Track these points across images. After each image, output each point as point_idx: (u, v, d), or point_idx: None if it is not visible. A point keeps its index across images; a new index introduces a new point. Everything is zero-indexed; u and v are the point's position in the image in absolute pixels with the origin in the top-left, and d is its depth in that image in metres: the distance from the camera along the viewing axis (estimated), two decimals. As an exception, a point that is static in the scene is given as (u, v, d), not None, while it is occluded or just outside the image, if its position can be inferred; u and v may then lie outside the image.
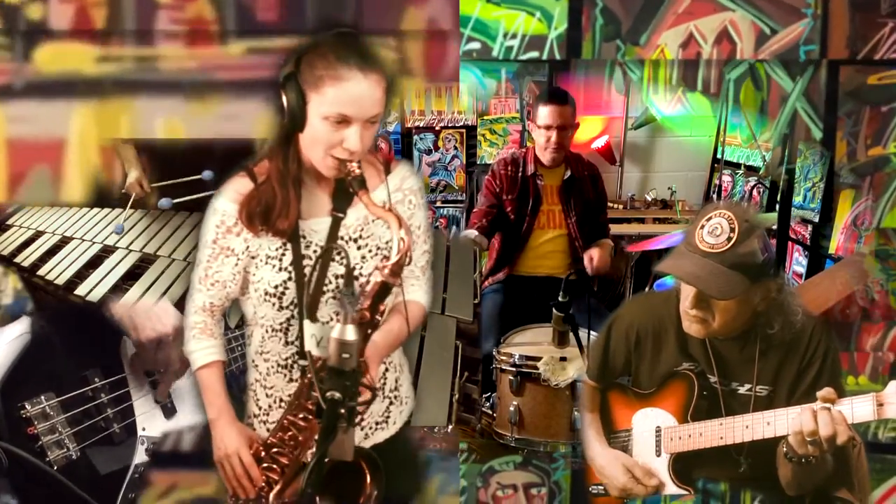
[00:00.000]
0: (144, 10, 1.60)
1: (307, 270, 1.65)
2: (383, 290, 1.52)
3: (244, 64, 1.70)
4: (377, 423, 1.79)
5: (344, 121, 1.55)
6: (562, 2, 1.77)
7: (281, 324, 1.69)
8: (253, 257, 1.68)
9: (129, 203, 2.14)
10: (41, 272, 2.35)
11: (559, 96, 3.02)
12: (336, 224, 1.66)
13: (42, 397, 1.88)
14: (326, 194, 1.68)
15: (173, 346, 2.01)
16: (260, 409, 1.76)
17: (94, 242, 2.42)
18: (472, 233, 3.07)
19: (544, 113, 3.01)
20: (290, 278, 1.65)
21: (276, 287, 1.66)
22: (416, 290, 1.78)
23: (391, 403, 1.81)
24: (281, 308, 1.67)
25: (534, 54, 1.78)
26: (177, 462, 1.94)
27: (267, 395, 1.74)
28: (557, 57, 1.77)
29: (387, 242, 1.69)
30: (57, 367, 1.95)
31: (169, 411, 2.08)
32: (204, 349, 1.76)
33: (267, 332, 1.71)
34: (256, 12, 1.66)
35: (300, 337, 1.65)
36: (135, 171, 2.13)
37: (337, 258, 1.65)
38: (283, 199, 1.63)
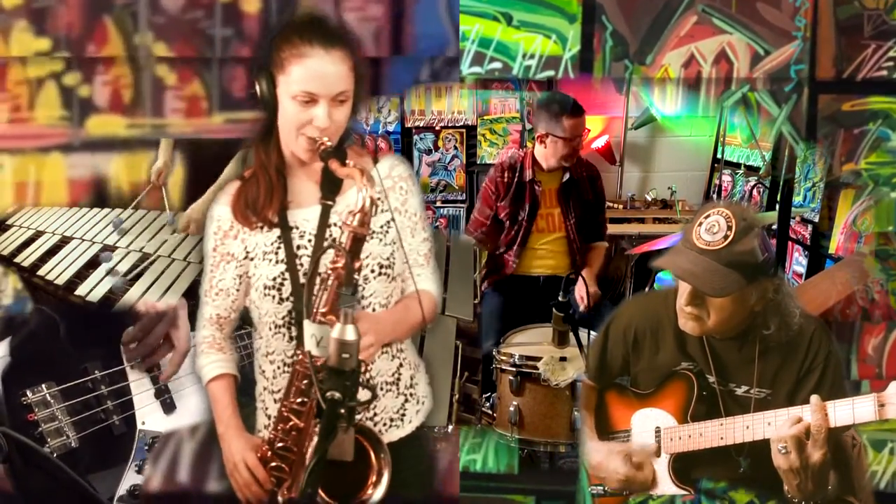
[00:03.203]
0: (157, 91, 2.13)
1: (304, 261, 1.66)
2: (355, 242, 1.52)
3: (223, 129, 2.16)
4: (391, 420, 1.78)
5: (311, 99, 1.57)
6: (575, 25, 1.93)
7: (283, 318, 1.69)
8: (252, 258, 1.70)
9: (145, 191, 2.34)
10: (41, 272, 2.35)
11: (579, 108, 3.05)
12: (326, 212, 1.68)
13: (43, 385, 1.90)
14: (314, 183, 1.69)
15: (174, 324, 2.11)
16: (269, 418, 1.74)
17: (94, 242, 2.42)
18: (469, 240, 3.10)
19: (569, 125, 3.02)
20: (286, 269, 1.67)
21: (273, 279, 1.67)
22: (422, 280, 1.77)
23: (406, 401, 1.80)
24: (281, 301, 1.67)
25: (550, 73, 1.95)
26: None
27: (275, 402, 1.73)
28: (571, 76, 1.96)
29: (381, 226, 1.70)
30: (58, 359, 1.97)
31: (168, 407, 2.09)
32: (212, 363, 1.78)
33: (270, 329, 1.71)
34: (233, 92, 2.13)
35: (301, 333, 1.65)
36: (161, 160, 2.30)
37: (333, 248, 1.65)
38: (267, 186, 1.67)
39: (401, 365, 1.79)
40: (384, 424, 1.77)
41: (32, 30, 2.02)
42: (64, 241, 2.44)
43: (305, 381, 1.61)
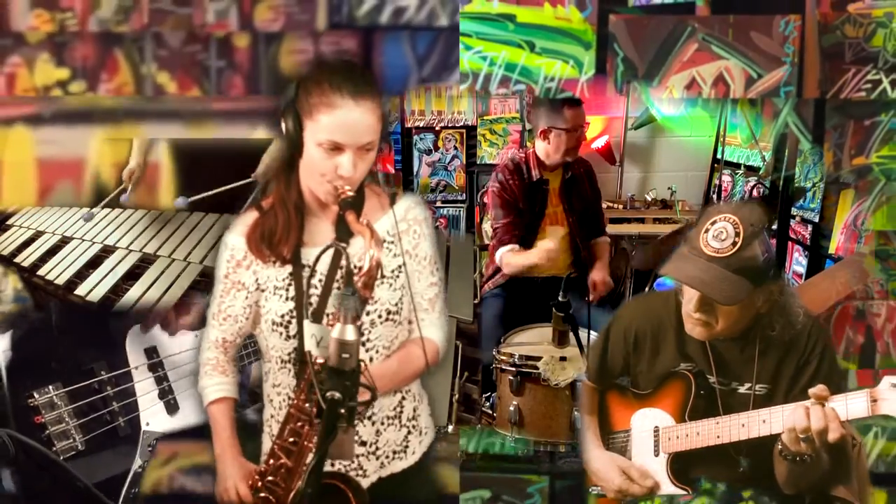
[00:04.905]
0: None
1: (313, 300, 1.65)
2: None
3: (230, 96, 2.11)
4: (394, 453, 1.78)
5: (337, 148, 1.56)
6: (590, 52, 2.12)
7: (289, 354, 1.69)
8: (262, 290, 1.70)
9: (115, 192, 2.20)
10: (41, 272, 2.35)
11: (576, 98, 3.01)
12: (339, 253, 1.67)
13: (50, 387, 1.90)
14: (330, 223, 1.69)
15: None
16: None
17: (94, 242, 2.42)
18: (511, 248, 2.99)
19: (571, 115, 3.00)
20: (295, 307, 1.66)
21: (282, 316, 1.67)
22: (426, 327, 1.76)
23: (409, 433, 1.80)
24: (288, 338, 1.67)
25: (568, 93, 2.16)
26: (177, 434, 2.13)
27: None
28: (587, 96, 2.19)
29: (392, 271, 1.70)
30: (64, 359, 1.97)
31: (172, 408, 2.09)
32: (214, 385, 1.79)
33: (277, 364, 1.72)
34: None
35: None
36: (134, 161, 2.20)
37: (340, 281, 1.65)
38: (285, 223, 1.66)
39: (403, 398, 1.79)
40: (387, 457, 1.77)
41: (53, 61, 2.06)
42: (64, 241, 2.44)
43: (299, 423, 1.61)
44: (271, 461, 1.65)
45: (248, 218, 1.72)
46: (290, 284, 1.67)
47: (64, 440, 1.89)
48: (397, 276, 1.70)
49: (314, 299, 1.66)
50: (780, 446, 1.74)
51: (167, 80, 2.10)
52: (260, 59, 2.10)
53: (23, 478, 1.84)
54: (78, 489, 1.89)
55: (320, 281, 1.66)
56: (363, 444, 1.74)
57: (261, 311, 1.71)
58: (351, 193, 1.57)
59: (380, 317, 1.68)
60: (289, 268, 1.68)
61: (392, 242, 1.69)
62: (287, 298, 1.67)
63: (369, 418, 1.73)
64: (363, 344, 1.67)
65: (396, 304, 1.70)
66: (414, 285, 1.73)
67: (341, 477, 1.56)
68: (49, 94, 2.07)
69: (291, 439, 1.62)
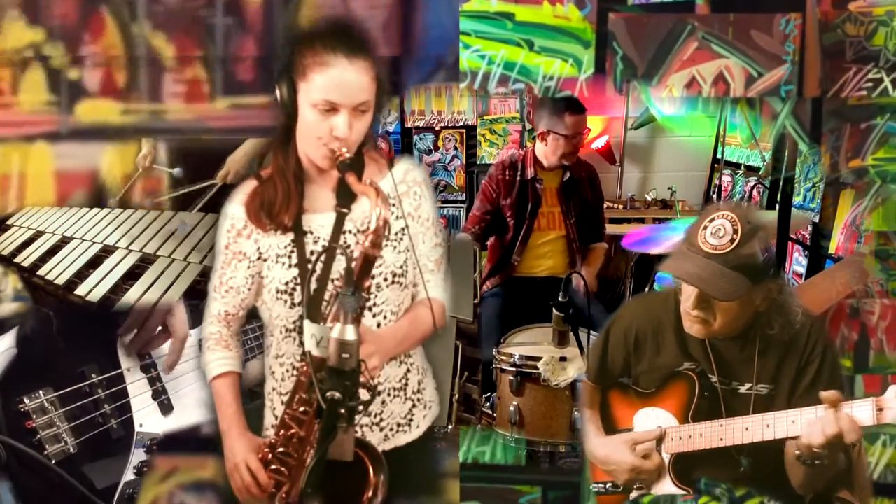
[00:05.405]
0: (154, 74, 2.03)
1: (317, 266, 1.65)
2: (365, 263, 1.50)
3: (227, 116, 2.08)
4: (398, 425, 1.78)
5: (332, 108, 1.56)
6: (589, 50, 2.11)
7: (294, 322, 1.69)
8: (265, 259, 1.70)
9: (135, 177, 2.23)
10: (41, 272, 2.35)
11: (580, 105, 3.05)
12: (341, 219, 1.67)
13: (40, 392, 1.89)
14: (330, 190, 1.69)
15: (169, 312, 2.11)
16: (277, 418, 1.73)
17: (94, 242, 2.42)
18: (466, 237, 3.10)
19: (572, 122, 3.03)
20: (299, 274, 1.66)
21: (286, 284, 1.67)
22: (432, 287, 1.76)
23: (414, 406, 1.80)
24: (293, 305, 1.67)
25: (567, 92, 2.14)
26: (177, 447, 2.10)
27: (282, 404, 1.72)
28: (586, 95, 2.17)
29: (395, 233, 1.70)
30: (55, 363, 1.97)
31: (166, 408, 2.08)
32: (218, 360, 1.78)
33: (281, 332, 1.71)
34: (237, 75, 2.04)
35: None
36: (146, 146, 2.21)
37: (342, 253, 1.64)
38: (284, 191, 1.66)
39: (408, 370, 1.79)
40: (391, 430, 1.77)
41: (25, 19, 1.95)
42: (64, 241, 2.44)
43: (309, 391, 1.60)
44: (282, 432, 1.64)
45: (246, 187, 1.71)
46: (292, 251, 1.67)
47: (55, 444, 1.88)
48: (401, 239, 1.70)
49: (318, 266, 1.65)
50: (798, 452, 1.73)
51: (163, 42, 1.98)
52: (276, 18, 1.97)
53: (16, 484, 1.84)
54: (72, 493, 1.88)
55: (323, 247, 1.66)
56: (368, 414, 1.73)
57: (263, 282, 1.70)
58: (349, 156, 1.56)
59: (385, 280, 1.68)
60: (290, 235, 1.67)
61: (393, 205, 1.69)
62: (291, 265, 1.67)
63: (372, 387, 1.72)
64: (370, 308, 1.67)
65: (402, 267, 1.70)
66: (418, 247, 1.73)
67: (359, 442, 1.54)
68: (22, 58, 1.99)
69: (302, 409, 1.61)
